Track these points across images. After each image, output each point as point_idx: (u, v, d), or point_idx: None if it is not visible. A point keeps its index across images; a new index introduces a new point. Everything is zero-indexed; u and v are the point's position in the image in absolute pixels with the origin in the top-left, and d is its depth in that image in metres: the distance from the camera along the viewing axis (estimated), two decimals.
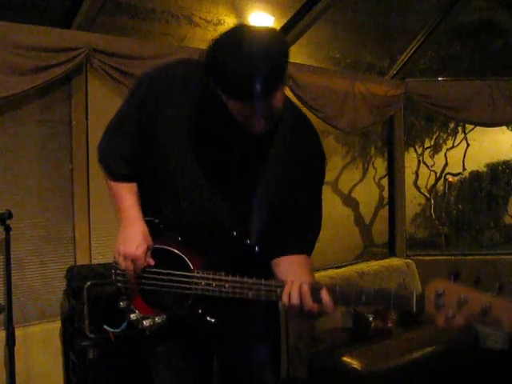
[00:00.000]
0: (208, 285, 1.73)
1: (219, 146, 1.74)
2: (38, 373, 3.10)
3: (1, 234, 2.90)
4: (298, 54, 4.68)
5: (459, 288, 1.45)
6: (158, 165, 1.82)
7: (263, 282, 1.67)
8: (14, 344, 2.85)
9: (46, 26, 3.13)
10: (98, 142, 2.97)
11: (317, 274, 4.23)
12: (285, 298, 1.63)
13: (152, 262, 1.84)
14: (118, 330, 1.96)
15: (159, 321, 1.82)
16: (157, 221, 1.88)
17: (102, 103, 3.37)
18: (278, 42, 1.56)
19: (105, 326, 2.11)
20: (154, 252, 1.85)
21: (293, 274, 1.69)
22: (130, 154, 1.88)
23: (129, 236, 1.84)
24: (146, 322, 1.83)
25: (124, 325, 1.92)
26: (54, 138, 3.28)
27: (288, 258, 1.79)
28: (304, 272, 1.74)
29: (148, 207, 1.90)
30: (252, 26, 1.57)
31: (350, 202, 5.84)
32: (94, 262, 3.32)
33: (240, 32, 1.54)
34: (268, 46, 1.52)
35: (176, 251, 1.82)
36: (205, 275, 1.74)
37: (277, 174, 1.77)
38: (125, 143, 1.88)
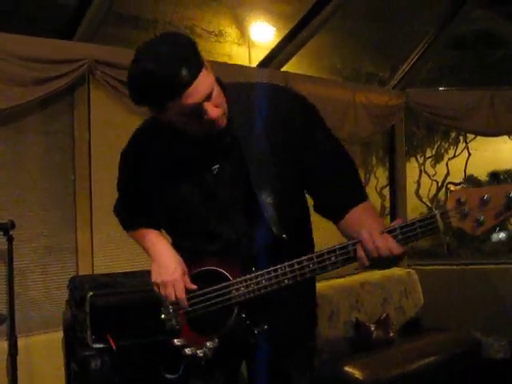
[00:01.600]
0: (247, 286, 1.72)
1: (201, 168, 1.80)
2: (40, 382, 3.10)
3: (3, 244, 2.91)
4: (298, 65, 4.71)
5: (478, 189, 1.41)
6: (166, 213, 1.91)
7: (320, 252, 1.64)
8: (16, 353, 2.86)
9: (49, 37, 3.17)
10: (100, 152, 3.01)
11: (319, 284, 4.24)
12: (361, 257, 1.58)
13: (194, 286, 1.83)
14: (178, 375, 1.87)
15: (212, 346, 1.78)
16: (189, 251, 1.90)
17: (105, 114, 3.40)
18: (178, 35, 1.66)
19: (166, 375, 1.90)
20: (193, 279, 1.86)
21: (361, 225, 1.65)
22: (136, 208, 2.02)
23: (162, 265, 1.88)
24: (200, 352, 1.79)
25: (182, 367, 1.85)
26: (56, 149, 3.30)
27: (349, 215, 1.75)
28: (371, 219, 1.71)
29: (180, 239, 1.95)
30: (153, 39, 1.66)
31: None
32: (97, 272, 3.33)
33: (144, 46, 1.64)
34: (171, 41, 1.63)
35: (213, 268, 1.81)
36: (242, 278, 1.74)
37: (276, 157, 1.76)
38: (126, 205, 2.06)
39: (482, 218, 1.40)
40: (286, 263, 1.67)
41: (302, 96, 1.85)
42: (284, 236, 1.71)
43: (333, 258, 1.62)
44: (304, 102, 1.83)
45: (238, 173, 1.78)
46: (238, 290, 1.74)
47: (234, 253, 1.78)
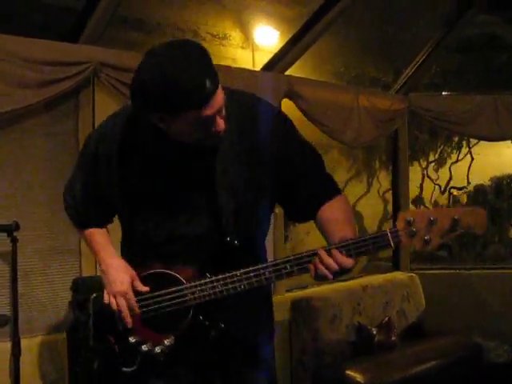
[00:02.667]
0: (201, 291, 1.77)
1: (177, 168, 1.81)
2: (43, 383, 3.12)
3: (8, 245, 2.92)
4: (302, 68, 4.73)
5: (426, 211, 1.58)
6: (129, 205, 1.89)
7: (274, 261, 1.72)
8: (19, 354, 2.87)
9: (54, 40, 3.18)
10: None
11: (321, 288, 4.26)
12: (311, 267, 1.67)
13: (145, 289, 1.86)
14: (133, 368, 1.95)
15: (168, 343, 1.83)
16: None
17: None
18: (195, 45, 1.63)
19: (123, 369, 2.03)
20: (145, 280, 1.88)
21: (335, 224, 1.77)
22: (85, 207, 1.98)
23: (110, 276, 1.92)
24: (157, 349, 1.84)
25: (138, 360, 1.92)
26: (61, 151, 3.30)
27: (322, 210, 1.84)
28: (338, 220, 1.79)
29: (130, 245, 1.97)
30: (166, 44, 1.63)
31: (354, 215, 5.86)
32: (100, 273, 3.34)
33: (157, 52, 1.60)
34: (191, 49, 1.60)
35: (165, 271, 1.85)
36: (197, 283, 1.78)
37: (242, 162, 1.80)
38: (79, 198, 1.98)
39: (428, 237, 1.55)
40: (242, 270, 1.73)
41: (275, 106, 1.95)
42: (236, 242, 1.77)
43: (288, 266, 1.70)
44: (277, 111, 1.93)
45: (208, 174, 1.80)
46: (193, 293, 1.79)
47: (188, 256, 1.81)
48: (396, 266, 5.00)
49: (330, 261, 1.63)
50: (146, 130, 1.79)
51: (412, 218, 1.55)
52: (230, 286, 1.74)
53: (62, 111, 3.30)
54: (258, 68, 4.35)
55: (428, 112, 4.83)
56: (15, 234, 2.89)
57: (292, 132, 1.89)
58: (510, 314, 4.59)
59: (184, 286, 1.80)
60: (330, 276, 1.65)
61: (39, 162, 3.24)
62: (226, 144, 1.78)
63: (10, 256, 2.92)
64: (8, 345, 2.91)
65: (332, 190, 1.89)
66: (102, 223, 2.03)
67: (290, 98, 4.04)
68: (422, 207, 6.54)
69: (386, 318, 4.15)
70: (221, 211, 1.78)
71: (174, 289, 1.81)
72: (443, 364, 3.90)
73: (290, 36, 4.16)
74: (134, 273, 1.88)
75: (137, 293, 1.87)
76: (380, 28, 5.02)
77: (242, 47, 5.24)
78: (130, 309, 1.88)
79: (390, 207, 5.86)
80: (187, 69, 1.54)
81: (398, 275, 4.80)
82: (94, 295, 2.86)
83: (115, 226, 2.06)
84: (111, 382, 2.69)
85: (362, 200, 6.18)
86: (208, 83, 1.55)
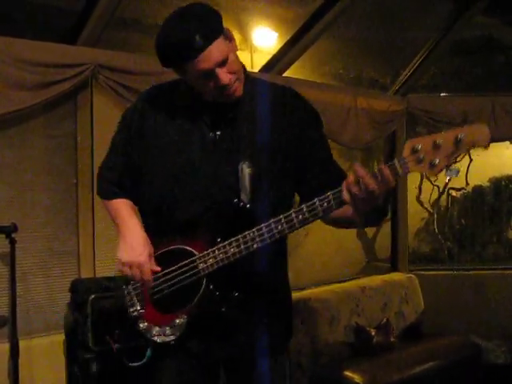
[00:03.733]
0: (214, 257, 1.77)
1: (205, 131, 1.88)
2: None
3: (6, 246, 2.92)
4: (300, 70, 4.73)
5: (430, 136, 1.56)
6: (160, 171, 1.91)
7: (287, 213, 1.70)
8: (17, 356, 2.87)
9: (53, 41, 3.19)
10: (103, 156, 3.03)
11: (319, 289, 4.26)
12: (346, 195, 1.63)
13: (158, 269, 1.86)
14: (143, 361, 1.93)
15: (180, 322, 1.81)
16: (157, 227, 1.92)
17: (107, 118, 3.40)
18: (203, 5, 1.78)
19: (130, 364, 2.01)
20: (158, 260, 1.89)
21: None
22: (120, 178, 2.01)
23: (129, 244, 1.89)
24: (168, 331, 1.83)
25: (148, 352, 1.90)
26: (59, 152, 3.32)
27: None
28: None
29: (154, 219, 1.96)
30: (181, 7, 1.78)
31: None
32: (98, 275, 3.34)
33: (171, 14, 1.78)
34: (193, 8, 1.76)
35: (176, 246, 1.85)
36: (209, 250, 1.78)
37: (266, 137, 1.86)
38: (115, 170, 2.02)
39: (435, 160, 1.55)
40: (255, 228, 1.72)
41: (307, 100, 2.00)
42: (248, 206, 1.78)
43: (300, 216, 1.69)
44: (309, 104, 1.98)
45: (230, 143, 1.86)
46: (205, 262, 1.79)
47: (200, 226, 1.82)
48: (394, 267, 5.01)
49: (367, 178, 1.58)
50: (173, 101, 1.92)
51: (418, 145, 1.55)
52: (243, 246, 1.74)
53: (60, 113, 3.32)
54: (256, 69, 4.35)
55: (426, 113, 4.84)
56: (13, 235, 2.90)
57: (319, 124, 1.96)
58: (508, 315, 4.60)
59: (196, 257, 1.80)
60: (376, 188, 1.57)
61: (38, 164, 3.26)
62: (252, 116, 1.87)
63: (8, 257, 2.92)
64: (6, 346, 2.91)
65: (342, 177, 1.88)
66: (132, 195, 2.02)
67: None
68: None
69: (385, 319, 4.15)
70: (239, 177, 1.81)
71: (184, 262, 1.81)
72: (442, 365, 3.91)
73: (289, 37, 4.16)
74: (152, 250, 1.89)
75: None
76: (378, 30, 5.02)
77: (241, 48, 5.22)
78: (143, 282, 1.87)
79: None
80: (178, 26, 1.71)
81: (397, 276, 4.81)
82: (93, 296, 2.89)
83: None
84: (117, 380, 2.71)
85: None
86: (197, 38, 1.68)
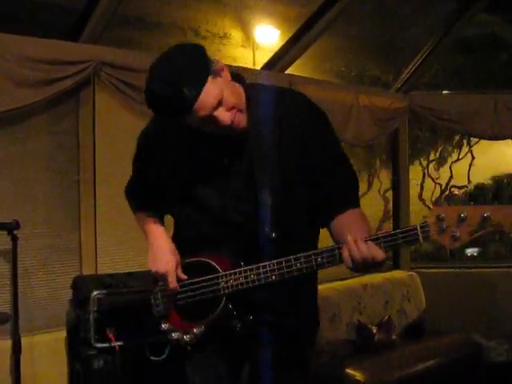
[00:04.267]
0: (235, 279, 1.81)
1: (216, 160, 1.88)
2: (43, 381, 3.12)
3: (8, 243, 2.92)
4: (302, 67, 4.73)
5: (457, 208, 1.55)
6: (180, 199, 1.97)
7: (307, 253, 1.73)
8: (19, 352, 2.88)
9: (55, 39, 3.19)
10: (105, 153, 3.06)
11: (321, 286, 4.25)
12: (346, 259, 1.66)
13: (185, 277, 1.92)
14: (163, 357, 2.01)
15: (198, 332, 1.88)
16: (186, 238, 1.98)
17: (110, 115, 3.42)
18: (184, 48, 1.73)
19: (151, 357, 2.09)
20: (185, 269, 1.94)
21: (348, 230, 1.73)
22: (143, 195, 2.09)
23: (157, 254, 1.97)
24: (186, 337, 1.89)
25: (167, 349, 1.98)
26: (61, 149, 3.32)
27: (339, 217, 1.83)
28: (358, 225, 1.78)
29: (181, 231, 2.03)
30: (166, 51, 1.74)
31: None
32: (100, 272, 3.35)
33: (155, 64, 1.73)
34: (175, 59, 1.70)
35: (204, 259, 1.90)
36: (231, 271, 1.83)
37: (284, 157, 1.84)
38: (137, 186, 2.13)
39: (458, 234, 1.55)
40: (275, 260, 1.76)
41: (315, 103, 1.92)
42: (273, 235, 1.80)
43: (319, 259, 1.72)
44: (317, 109, 1.91)
45: (245, 169, 1.85)
46: (226, 282, 1.83)
47: (226, 246, 1.86)
48: (396, 265, 5.00)
49: (363, 247, 1.62)
50: (184, 128, 1.86)
51: (443, 214, 1.55)
52: (262, 275, 1.77)
53: (62, 110, 3.31)
54: (258, 67, 4.35)
55: (428, 111, 4.83)
56: (15, 232, 2.90)
57: (328, 134, 1.90)
58: (510, 313, 4.59)
59: (219, 275, 1.84)
60: (362, 263, 1.63)
61: (40, 161, 3.26)
62: (264, 138, 1.84)
63: (10, 254, 2.92)
64: (8, 343, 2.91)
65: (352, 202, 1.88)
66: (159, 210, 2.09)
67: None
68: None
69: (386, 317, 4.15)
70: (259, 205, 1.82)
71: (209, 277, 1.86)
72: (443, 363, 3.90)
73: (291, 35, 4.16)
74: (179, 258, 1.95)
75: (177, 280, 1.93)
76: (380, 28, 5.02)
77: (243, 46, 5.23)
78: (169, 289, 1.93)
79: (390, 206, 5.85)
80: (164, 81, 1.65)
81: (398, 274, 4.80)
82: (95, 293, 2.89)
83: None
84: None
85: (363, 199, 6.15)
86: (186, 90, 1.63)
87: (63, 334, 3.12)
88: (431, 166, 6.87)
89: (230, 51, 4.92)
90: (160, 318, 1.97)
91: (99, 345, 2.82)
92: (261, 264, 1.77)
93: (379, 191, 6.44)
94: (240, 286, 1.81)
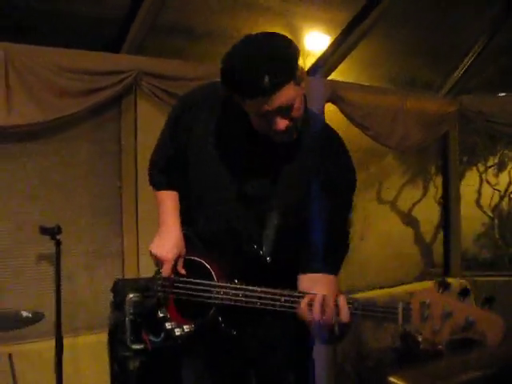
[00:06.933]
0: (226, 294, 1.79)
1: (243, 157, 1.84)
2: (86, 382, 3.22)
3: (52, 247, 3.03)
4: (348, 72, 4.70)
5: (445, 299, 1.46)
6: (193, 179, 1.94)
7: (280, 291, 1.70)
8: (61, 352, 2.97)
9: (98, 51, 3.31)
10: (146, 160, 3.12)
11: (367, 294, 4.21)
12: (303, 309, 1.64)
13: (183, 271, 1.92)
14: (157, 340, 2.04)
15: (188, 330, 1.88)
16: (189, 233, 1.97)
17: (151, 123, 3.50)
18: (282, 41, 1.65)
19: (149, 337, 2.13)
20: (187, 263, 1.94)
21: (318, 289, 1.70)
22: (168, 167, 2.03)
23: (162, 240, 1.95)
24: (177, 331, 1.90)
25: (162, 335, 2.00)
26: (104, 157, 3.44)
27: (312, 275, 1.79)
28: (325, 289, 1.72)
29: (185, 219, 1.99)
30: (261, 33, 1.68)
31: (410, 221, 5.74)
32: (142, 275, 3.43)
33: (247, 39, 1.68)
34: (271, 44, 1.64)
35: (204, 262, 1.90)
36: (223, 284, 1.81)
37: (302, 187, 1.80)
38: (163, 158, 2.04)
39: (439, 328, 1.44)
40: (263, 288, 1.72)
41: (348, 153, 1.88)
42: (268, 259, 1.78)
43: (296, 300, 1.68)
44: (353, 171, 1.87)
45: (266, 184, 1.82)
46: (218, 293, 1.81)
47: (227, 256, 1.84)
48: (447, 272, 4.88)
49: (331, 303, 1.60)
50: (230, 114, 1.84)
51: (428, 301, 1.47)
52: (249, 299, 1.75)
53: (105, 118, 3.44)
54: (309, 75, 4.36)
55: (480, 114, 4.69)
56: (58, 237, 3.01)
57: (348, 194, 1.86)
58: None
59: (213, 283, 1.84)
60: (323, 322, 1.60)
61: (83, 168, 3.38)
62: (295, 164, 1.80)
63: (54, 258, 3.03)
64: (52, 343, 3.02)
65: (333, 268, 1.82)
66: (178, 186, 2.04)
67: (334, 103, 4.04)
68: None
69: None
70: (265, 226, 1.80)
71: (204, 282, 1.85)
72: (490, 374, 3.77)
73: (333, 40, 4.15)
74: (183, 251, 1.93)
75: (175, 272, 1.93)
76: (432, 32, 4.92)
77: None
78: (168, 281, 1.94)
79: None
80: (250, 59, 1.61)
81: (449, 282, 4.68)
82: (130, 296, 2.95)
83: None
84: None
85: (418, 205, 6.03)
86: (266, 79, 1.56)
87: (106, 335, 3.21)
88: (490, 171, 6.66)
89: None
90: (161, 305, 1.98)
91: (134, 346, 2.88)
92: (250, 287, 1.75)
93: (435, 197, 6.30)
94: (228, 302, 1.79)
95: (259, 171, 1.82)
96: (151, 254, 1.98)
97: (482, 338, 1.42)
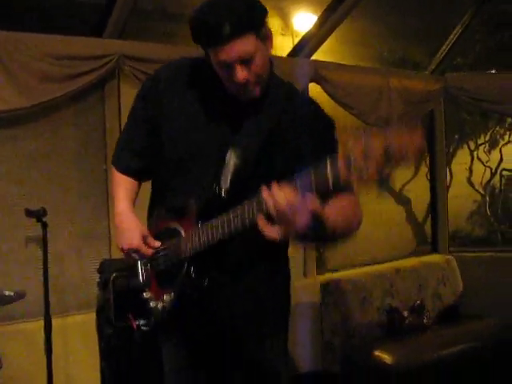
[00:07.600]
0: (192, 242, 1.78)
1: (217, 120, 1.86)
2: (75, 361, 3.30)
3: (39, 230, 3.08)
4: (336, 53, 4.73)
5: (360, 140, 1.29)
6: (167, 152, 1.94)
7: (233, 209, 1.65)
8: (50, 332, 3.02)
9: (80, 35, 3.35)
10: None
11: (352, 271, 4.27)
12: (269, 201, 1.52)
13: (157, 243, 1.92)
14: (149, 326, 2.03)
15: (168, 299, 1.87)
16: (158, 210, 1.99)
17: None
18: None
19: (135, 318, 2.16)
20: (159, 235, 1.94)
21: None
22: (134, 148, 2.04)
23: (122, 230, 1.99)
24: (159, 305, 1.90)
25: (147, 314, 2.00)
26: (89, 140, 3.48)
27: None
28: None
29: (161, 197, 2.01)
30: None
31: (401, 199, 5.79)
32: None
33: None
34: None
35: (171, 224, 1.89)
36: (188, 233, 1.81)
37: (262, 134, 1.82)
38: (130, 140, 2.06)
39: (366, 174, 1.30)
40: (219, 217, 1.69)
41: (327, 115, 1.90)
42: (223, 196, 1.78)
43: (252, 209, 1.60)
44: (326, 117, 1.89)
45: (234, 136, 1.83)
46: (186, 245, 1.81)
47: (190, 209, 1.84)
48: (434, 249, 4.94)
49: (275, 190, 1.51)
50: (204, 84, 1.87)
51: (349, 154, 1.31)
52: (210, 234, 1.72)
53: (88, 103, 3.47)
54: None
55: (465, 92, 4.70)
56: (44, 219, 3.06)
57: (326, 127, 1.84)
58: None
59: (181, 238, 1.84)
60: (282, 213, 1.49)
61: (68, 152, 3.43)
62: (262, 114, 1.82)
63: (41, 240, 3.09)
64: (41, 323, 3.08)
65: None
66: (137, 171, 2.05)
67: (317, 82, 4.07)
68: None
69: (418, 301, 4.12)
70: (224, 166, 1.80)
71: (174, 241, 1.86)
72: (475, 347, 3.84)
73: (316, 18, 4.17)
74: (144, 229, 1.94)
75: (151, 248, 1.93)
76: (416, 11, 4.92)
77: (282, 34, 5.26)
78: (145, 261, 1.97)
79: None
80: (214, 7, 1.65)
81: (435, 258, 4.74)
82: (114, 275, 3.02)
83: None
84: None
85: (410, 184, 6.07)
86: (227, 26, 1.61)
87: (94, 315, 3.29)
88: (481, 149, 6.70)
89: None
90: (144, 287, 1.99)
91: (118, 323, 2.95)
92: (208, 223, 1.73)
93: (427, 176, 6.34)
94: (198, 247, 1.76)
95: (225, 123, 1.85)
96: (121, 250, 2.01)
97: (402, 162, 1.26)
